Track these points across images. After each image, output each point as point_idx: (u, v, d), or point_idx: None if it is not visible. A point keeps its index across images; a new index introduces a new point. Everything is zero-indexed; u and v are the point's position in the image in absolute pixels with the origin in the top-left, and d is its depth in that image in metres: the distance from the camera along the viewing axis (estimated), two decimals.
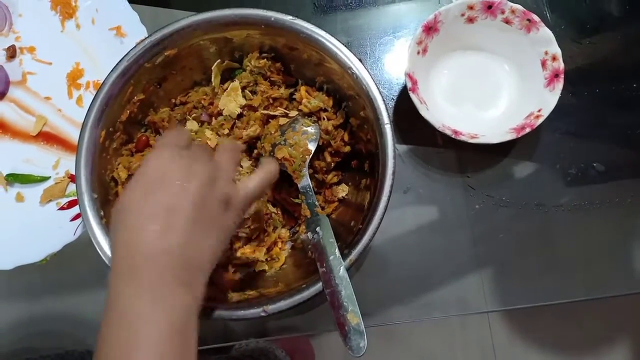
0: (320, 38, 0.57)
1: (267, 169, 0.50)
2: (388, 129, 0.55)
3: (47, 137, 0.69)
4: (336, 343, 1.39)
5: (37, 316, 0.67)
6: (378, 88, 0.56)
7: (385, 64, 0.73)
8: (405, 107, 0.67)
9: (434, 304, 0.66)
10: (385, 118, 0.56)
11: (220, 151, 0.48)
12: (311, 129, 0.61)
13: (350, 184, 0.65)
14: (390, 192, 0.54)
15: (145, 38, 0.58)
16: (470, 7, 0.65)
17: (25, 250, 0.64)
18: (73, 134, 0.68)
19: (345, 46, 0.58)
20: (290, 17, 0.58)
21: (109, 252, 0.53)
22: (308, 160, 0.60)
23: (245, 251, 0.61)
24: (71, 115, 0.69)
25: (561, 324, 1.26)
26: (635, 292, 0.66)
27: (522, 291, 0.66)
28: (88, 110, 0.55)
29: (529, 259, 0.66)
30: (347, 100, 0.61)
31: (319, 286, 0.52)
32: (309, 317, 0.66)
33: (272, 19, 0.58)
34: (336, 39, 0.57)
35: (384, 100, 0.56)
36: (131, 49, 0.57)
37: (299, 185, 0.59)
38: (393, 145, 0.55)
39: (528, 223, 0.67)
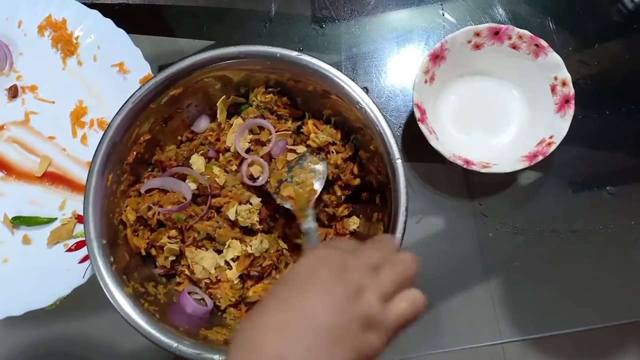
0: (327, 73, 0.57)
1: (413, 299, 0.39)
2: (399, 164, 0.54)
3: (53, 178, 0.68)
4: None
5: (43, 340, 0.67)
6: (387, 120, 0.56)
7: (392, 91, 0.72)
8: (414, 134, 0.67)
9: (445, 336, 0.65)
10: (396, 153, 0.55)
11: (388, 261, 0.39)
12: (319, 167, 0.60)
13: (361, 216, 0.64)
14: (404, 228, 0.53)
15: (150, 79, 0.57)
16: (477, 34, 0.64)
17: (34, 294, 0.63)
18: (79, 174, 0.68)
19: (351, 79, 0.57)
20: (296, 53, 0.57)
21: (120, 299, 0.52)
22: (313, 201, 0.58)
23: (257, 289, 0.60)
24: (76, 155, 0.68)
25: (580, 354, 1.23)
26: None
27: (538, 320, 0.65)
28: (94, 156, 0.55)
29: (544, 287, 0.65)
30: (356, 132, 0.61)
31: None
32: None
33: (278, 55, 0.57)
34: (342, 70, 0.57)
35: (393, 134, 0.55)
36: (136, 91, 0.57)
37: (301, 227, 0.57)
38: (405, 180, 0.54)
39: (543, 250, 0.66)
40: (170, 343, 0.51)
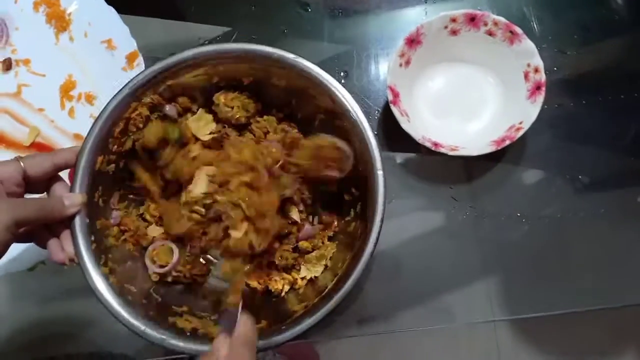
0: (317, 75, 0.56)
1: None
2: (380, 176, 0.54)
3: (40, 148, 0.70)
4: (342, 350, 1.38)
5: (45, 319, 0.68)
6: (372, 129, 0.55)
7: (373, 75, 0.73)
8: (390, 118, 0.68)
9: (440, 312, 0.66)
10: (378, 164, 0.54)
11: None
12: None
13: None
14: (379, 234, 0.53)
15: (146, 69, 0.56)
16: (453, 20, 0.65)
17: (13, 257, 0.65)
18: (65, 145, 0.70)
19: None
20: (293, 56, 0.56)
21: (95, 278, 0.52)
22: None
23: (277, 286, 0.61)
24: (63, 126, 0.71)
25: (568, 334, 1.25)
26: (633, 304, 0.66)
27: (518, 302, 0.66)
28: (87, 136, 0.54)
29: (518, 271, 0.67)
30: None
31: (298, 329, 0.51)
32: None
33: (275, 55, 0.56)
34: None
35: (378, 146, 0.54)
36: (132, 78, 0.56)
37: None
38: (384, 192, 0.54)
39: (515, 234, 0.67)
40: (138, 325, 0.52)
